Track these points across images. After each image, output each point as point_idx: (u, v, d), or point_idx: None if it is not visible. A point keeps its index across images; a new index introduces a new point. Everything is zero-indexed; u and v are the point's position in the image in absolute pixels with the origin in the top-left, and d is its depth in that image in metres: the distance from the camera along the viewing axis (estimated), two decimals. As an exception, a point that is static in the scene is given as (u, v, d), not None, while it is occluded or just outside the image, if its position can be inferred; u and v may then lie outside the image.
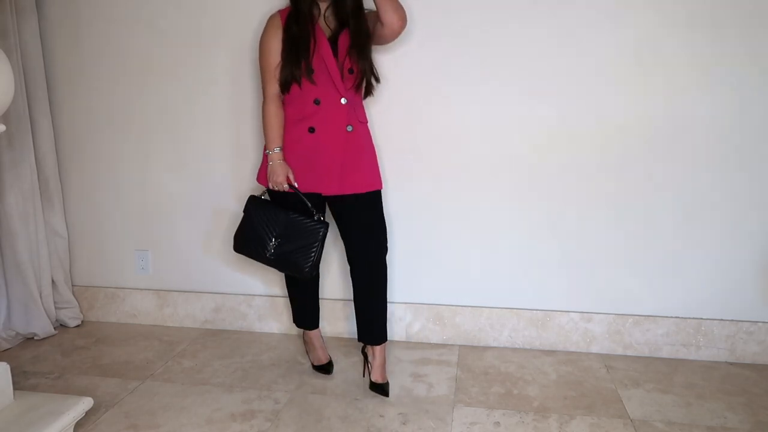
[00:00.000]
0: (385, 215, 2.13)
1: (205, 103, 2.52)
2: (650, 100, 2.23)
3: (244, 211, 2.10)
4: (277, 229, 2.02)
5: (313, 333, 2.30)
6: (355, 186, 2.04)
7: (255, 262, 2.58)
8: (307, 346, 2.33)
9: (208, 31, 2.46)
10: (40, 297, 2.59)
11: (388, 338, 2.18)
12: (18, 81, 2.40)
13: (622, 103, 2.25)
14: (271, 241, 2.02)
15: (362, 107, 2.12)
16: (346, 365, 2.31)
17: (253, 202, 2.09)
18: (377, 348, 2.12)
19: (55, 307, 2.68)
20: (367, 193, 2.06)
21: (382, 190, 2.12)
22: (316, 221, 2.01)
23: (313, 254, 1.99)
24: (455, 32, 2.29)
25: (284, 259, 2.02)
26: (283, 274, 2.53)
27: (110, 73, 2.57)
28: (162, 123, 2.58)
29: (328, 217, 2.21)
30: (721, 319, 2.34)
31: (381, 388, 2.08)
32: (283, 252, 2.01)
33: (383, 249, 2.12)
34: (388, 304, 2.16)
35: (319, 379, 2.21)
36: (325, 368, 2.25)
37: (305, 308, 2.29)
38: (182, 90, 2.53)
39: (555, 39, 2.24)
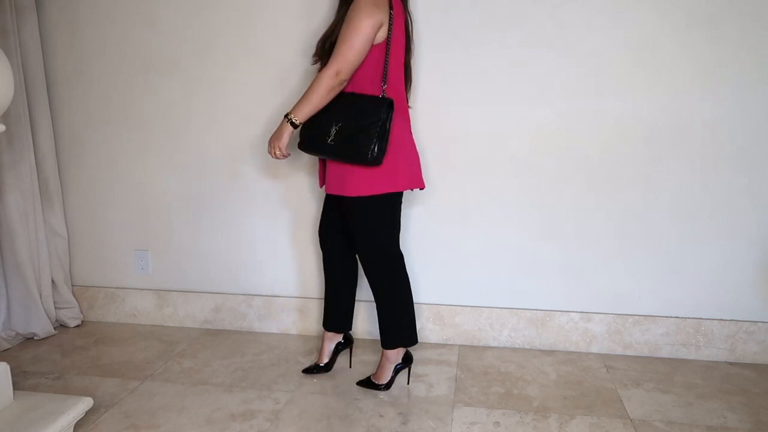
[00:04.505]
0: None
1: (205, 103, 2.52)
2: (650, 100, 2.23)
3: None
4: (338, 112, 1.88)
5: (327, 334, 2.26)
6: (342, 188, 1.95)
7: (254, 261, 2.61)
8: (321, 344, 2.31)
9: (208, 31, 2.46)
10: (40, 297, 2.59)
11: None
12: (18, 81, 2.40)
13: (622, 103, 2.25)
14: (333, 126, 1.87)
15: None
16: (346, 365, 2.31)
17: None
18: (384, 350, 2.12)
19: (55, 307, 2.68)
20: (358, 197, 1.93)
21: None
22: (379, 98, 1.86)
23: (375, 135, 1.81)
24: (454, 32, 2.29)
25: (346, 143, 1.85)
26: (285, 276, 2.52)
27: (110, 72, 2.58)
28: (162, 122, 2.58)
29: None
30: (721, 319, 2.34)
31: (366, 382, 2.13)
32: (344, 136, 1.85)
33: (377, 253, 2.04)
34: (392, 309, 2.09)
35: (319, 379, 2.21)
36: (318, 368, 2.23)
37: (328, 309, 2.25)
38: (182, 90, 2.53)
39: (555, 39, 2.24)
